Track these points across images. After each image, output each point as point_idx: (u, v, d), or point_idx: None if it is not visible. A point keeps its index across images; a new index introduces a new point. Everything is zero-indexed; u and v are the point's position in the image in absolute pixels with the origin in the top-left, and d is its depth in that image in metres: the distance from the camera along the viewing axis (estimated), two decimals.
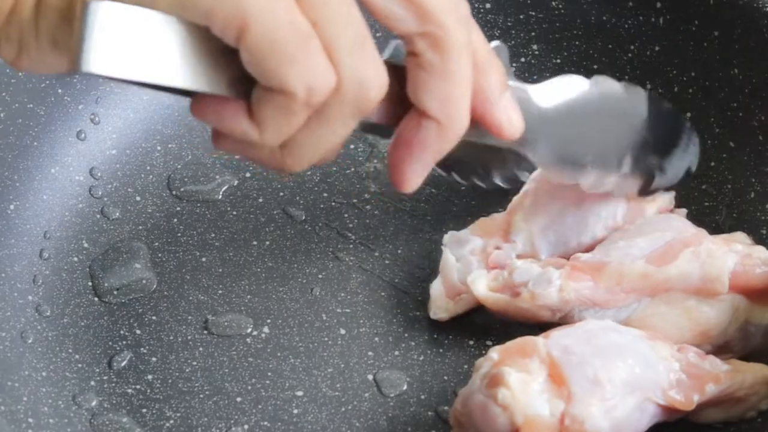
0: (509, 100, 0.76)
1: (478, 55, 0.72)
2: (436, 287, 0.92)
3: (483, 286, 0.89)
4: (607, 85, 0.87)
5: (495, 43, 0.84)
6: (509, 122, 0.76)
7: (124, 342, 0.92)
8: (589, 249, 0.90)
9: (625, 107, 0.88)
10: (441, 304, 0.92)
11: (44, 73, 0.66)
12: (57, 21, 0.64)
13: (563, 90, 0.85)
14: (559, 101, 0.85)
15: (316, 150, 0.68)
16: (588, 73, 1.02)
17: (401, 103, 0.72)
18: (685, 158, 0.91)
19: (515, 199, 0.93)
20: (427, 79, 0.69)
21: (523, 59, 1.06)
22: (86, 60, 0.61)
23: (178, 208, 0.99)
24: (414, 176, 0.73)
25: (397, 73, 0.71)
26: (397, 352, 0.92)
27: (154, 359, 0.92)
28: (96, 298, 0.95)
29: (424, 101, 0.70)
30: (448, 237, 0.93)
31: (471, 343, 0.92)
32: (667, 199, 0.93)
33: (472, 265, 0.91)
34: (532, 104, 0.83)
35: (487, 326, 0.92)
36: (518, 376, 0.79)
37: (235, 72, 0.66)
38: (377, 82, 0.67)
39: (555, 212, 0.91)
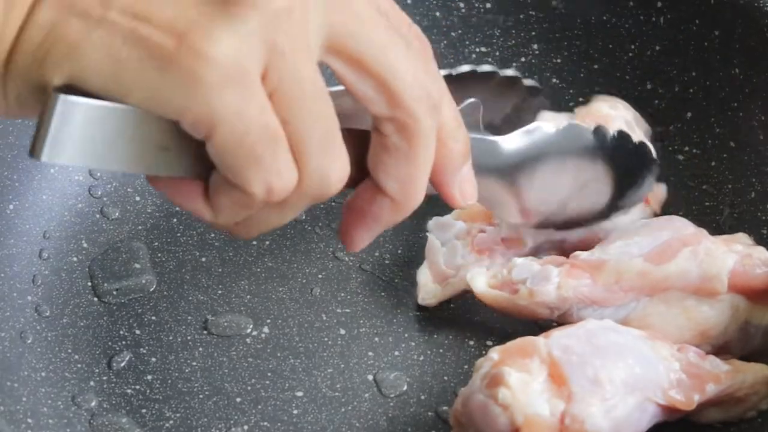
0: (466, 173, 0.76)
1: (444, 129, 0.72)
2: (423, 273, 0.92)
3: (482, 283, 0.89)
4: (576, 132, 0.87)
5: (470, 100, 0.84)
6: (462, 196, 0.76)
7: (124, 342, 0.92)
8: (574, 224, 0.91)
9: (591, 154, 0.87)
10: (429, 289, 0.92)
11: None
12: (24, 86, 0.63)
13: (532, 141, 0.85)
14: (527, 153, 0.85)
15: (266, 227, 0.69)
16: (589, 73, 1.03)
17: (359, 167, 0.71)
18: (648, 182, 0.91)
19: None
20: (390, 161, 0.69)
21: (523, 59, 1.06)
22: (46, 152, 0.61)
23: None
24: (362, 241, 0.74)
25: (359, 136, 0.71)
26: (397, 353, 0.92)
27: (153, 359, 0.92)
28: (95, 298, 0.95)
29: (383, 180, 0.70)
30: (432, 223, 0.93)
31: (471, 343, 0.92)
32: (662, 191, 0.95)
33: (458, 249, 0.91)
34: (501, 157, 0.84)
35: (487, 326, 0.92)
36: (518, 376, 0.79)
37: (194, 155, 0.65)
38: (339, 176, 0.67)
39: None
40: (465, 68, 0.90)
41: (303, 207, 0.68)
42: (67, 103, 0.61)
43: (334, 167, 0.66)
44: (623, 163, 0.88)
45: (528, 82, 0.93)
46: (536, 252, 0.92)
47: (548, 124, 0.86)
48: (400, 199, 0.71)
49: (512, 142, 0.84)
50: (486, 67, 0.90)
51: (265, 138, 0.62)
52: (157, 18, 0.60)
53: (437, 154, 0.72)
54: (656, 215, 0.95)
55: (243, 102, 0.61)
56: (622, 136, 0.87)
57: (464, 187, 0.76)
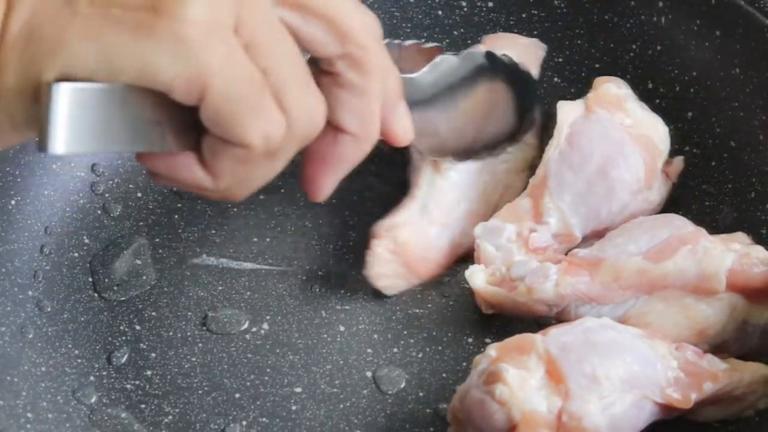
0: (403, 109, 0.79)
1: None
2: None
3: (481, 280, 0.89)
4: (472, 58, 0.89)
5: (385, 40, 0.86)
6: (404, 131, 0.79)
7: (124, 338, 0.93)
8: (617, 217, 0.92)
9: (489, 77, 0.90)
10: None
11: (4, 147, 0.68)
12: (16, 100, 0.64)
13: (441, 72, 0.87)
14: (438, 84, 0.87)
15: (262, 181, 0.71)
16: (590, 72, 1.03)
17: None
18: (535, 102, 0.94)
19: (532, 181, 0.94)
20: (347, 98, 0.72)
21: None
22: (53, 143, 0.63)
23: (179, 205, 1.00)
24: (329, 187, 0.76)
25: None
26: (396, 350, 0.92)
27: (153, 355, 0.92)
28: (96, 294, 0.95)
29: (343, 118, 0.73)
30: (480, 229, 0.93)
31: (470, 341, 0.92)
32: (680, 162, 0.97)
33: (513, 252, 0.91)
34: (420, 91, 0.86)
35: (485, 324, 0.92)
36: (516, 373, 0.79)
37: (182, 126, 0.67)
38: (323, 111, 0.70)
39: (581, 187, 0.92)
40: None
41: (293, 153, 0.69)
42: (61, 90, 0.62)
43: (317, 103, 0.69)
44: (515, 84, 0.91)
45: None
46: (584, 243, 0.93)
47: (450, 56, 0.88)
48: (361, 133, 0.73)
49: (426, 76, 0.86)
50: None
51: (254, 87, 0.64)
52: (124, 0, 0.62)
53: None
54: (674, 185, 0.96)
55: (227, 54, 0.63)
56: (510, 59, 0.90)
57: (404, 123, 0.78)
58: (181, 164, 0.68)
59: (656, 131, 0.94)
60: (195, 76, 0.63)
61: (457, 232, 0.95)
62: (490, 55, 0.90)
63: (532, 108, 0.93)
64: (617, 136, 0.92)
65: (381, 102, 0.73)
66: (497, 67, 0.90)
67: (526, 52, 1.00)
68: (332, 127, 0.73)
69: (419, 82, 0.86)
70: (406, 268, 0.94)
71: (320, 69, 0.71)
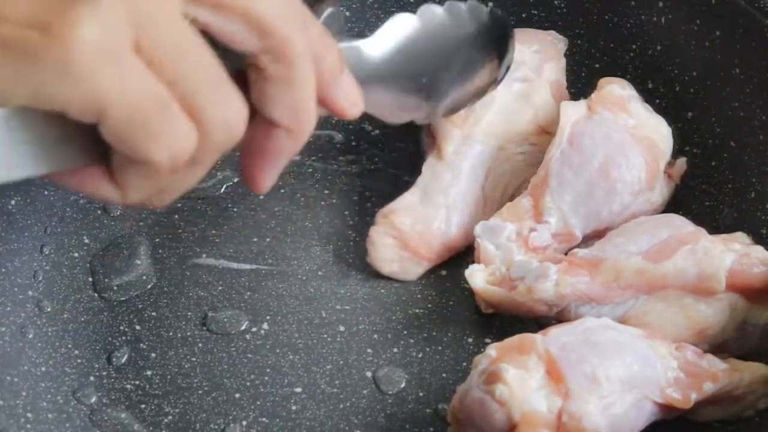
0: (347, 81, 0.76)
1: (314, 45, 0.71)
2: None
3: (480, 280, 0.89)
4: (429, 14, 0.88)
5: (329, 10, 0.85)
6: (350, 104, 0.76)
7: (124, 338, 0.93)
8: (618, 217, 0.92)
9: (451, 31, 0.89)
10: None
11: None
12: None
13: (393, 35, 0.86)
14: (389, 48, 0.85)
15: (182, 189, 0.69)
16: (590, 72, 1.03)
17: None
18: (509, 54, 0.94)
19: (533, 180, 0.94)
20: (274, 92, 0.69)
21: None
22: None
23: (179, 205, 1.00)
24: (269, 179, 0.74)
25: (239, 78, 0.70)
26: (396, 350, 0.92)
27: (153, 355, 0.92)
28: (96, 294, 0.95)
29: (273, 112, 0.70)
30: (480, 228, 0.93)
31: (470, 341, 0.92)
32: (683, 164, 0.97)
33: (513, 251, 0.91)
34: (365, 61, 0.84)
35: (485, 324, 0.92)
36: (516, 373, 0.79)
37: (88, 139, 0.64)
38: (240, 117, 0.67)
39: (582, 187, 0.92)
40: None
41: (213, 160, 0.67)
42: None
43: (233, 110, 0.66)
44: (489, 31, 0.91)
45: None
46: (584, 243, 0.93)
47: (408, 15, 0.87)
48: (293, 126, 0.71)
49: (376, 43, 0.85)
50: None
51: (155, 107, 0.62)
52: (14, 15, 0.59)
53: (315, 71, 0.71)
54: (677, 186, 0.96)
55: (123, 77, 0.60)
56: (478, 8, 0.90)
57: (349, 94, 0.75)
58: (88, 179, 0.66)
59: (659, 132, 0.94)
60: (88, 103, 0.60)
61: (467, 218, 0.95)
62: (452, 7, 0.89)
63: (507, 48, 0.93)
64: (619, 137, 0.92)
65: (314, 87, 0.71)
66: (462, 17, 0.89)
67: (547, 45, 1.00)
68: (265, 120, 0.71)
69: (365, 50, 0.84)
70: (409, 253, 0.94)
71: (248, 63, 0.69)
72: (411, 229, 0.94)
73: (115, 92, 0.60)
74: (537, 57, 0.99)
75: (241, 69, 0.70)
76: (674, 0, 1.01)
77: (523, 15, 1.06)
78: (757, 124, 0.96)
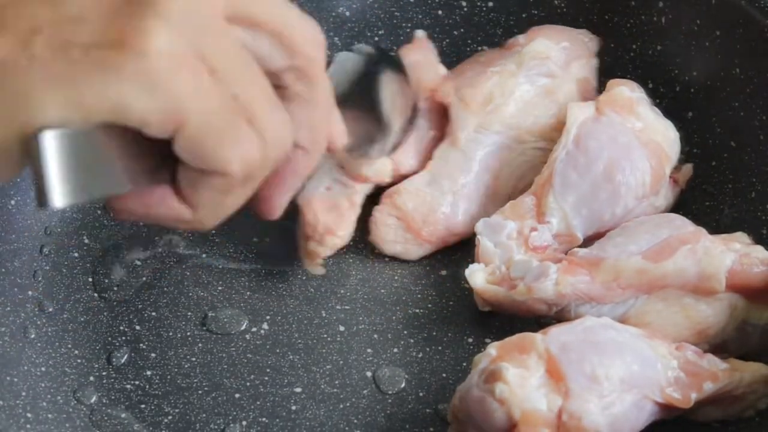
0: (337, 114, 0.77)
1: None
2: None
3: (480, 279, 0.89)
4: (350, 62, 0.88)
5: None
6: (341, 135, 0.77)
7: (124, 338, 0.93)
8: (622, 220, 0.92)
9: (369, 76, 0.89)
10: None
11: None
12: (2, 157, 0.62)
13: (348, 72, 0.86)
14: (347, 84, 0.86)
15: (234, 208, 0.69)
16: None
17: None
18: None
19: (537, 179, 0.94)
20: (296, 111, 0.70)
21: None
22: (53, 197, 0.61)
23: None
24: (283, 203, 0.74)
25: None
26: (395, 350, 0.92)
27: (153, 355, 0.92)
28: (96, 294, 0.95)
29: (294, 132, 0.70)
30: (481, 225, 0.93)
31: (470, 340, 0.92)
32: (689, 169, 0.97)
33: (512, 249, 0.91)
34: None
35: (485, 324, 0.92)
36: (516, 372, 0.79)
37: (153, 160, 0.65)
38: (290, 129, 0.68)
39: (586, 189, 0.92)
40: None
41: (265, 174, 0.68)
42: (45, 142, 0.60)
43: (285, 122, 0.67)
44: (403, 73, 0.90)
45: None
46: (585, 244, 0.93)
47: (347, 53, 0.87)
48: (310, 145, 0.72)
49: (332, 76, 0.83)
50: None
51: (228, 114, 0.63)
52: (85, 37, 0.60)
53: None
54: (682, 191, 0.96)
55: (198, 83, 0.62)
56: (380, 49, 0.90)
57: (340, 128, 0.77)
58: (158, 200, 0.67)
59: (666, 137, 0.94)
60: (169, 109, 0.61)
61: (475, 206, 0.95)
62: (379, 49, 0.89)
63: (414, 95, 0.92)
64: (625, 140, 0.92)
65: (328, 108, 0.72)
66: (388, 59, 0.89)
67: (577, 43, 1.00)
68: None
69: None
70: (411, 234, 0.94)
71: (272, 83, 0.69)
72: (413, 211, 0.94)
73: (193, 99, 0.61)
74: (564, 53, 0.98)
75: None
76: (674, 0, 1.01)
77: (523, 15, 1.05)
78: (758, 125, 0.96)
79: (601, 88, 0.97)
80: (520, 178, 0.96)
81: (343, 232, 0.94)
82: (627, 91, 0.94)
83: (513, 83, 0.96)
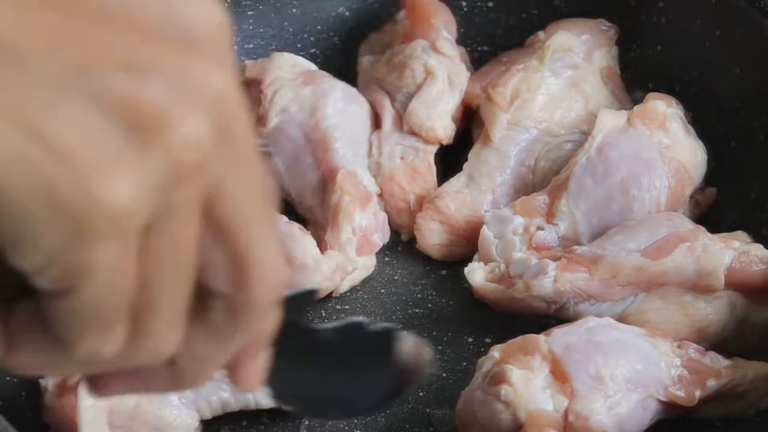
0: (263, 359, 0.60)
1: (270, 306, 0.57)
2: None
3: (479, 277, 0.89)
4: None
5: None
6: (250, 381, 0.60)
7: None
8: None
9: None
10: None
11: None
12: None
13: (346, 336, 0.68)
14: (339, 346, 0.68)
15: (58, 370, 0.59)
16: None
17: None
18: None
19: (555, 179, 0.94)
20: (199, 336, 0.55)
21: None
22: None
23: None
24: (111, 392, 0.58)
25: None
26: None
27: None
28: None
29: (182, 357, 0.56)
30: (490, 215, 0.93)
31: (470, 340, 0.92)
32: (713, 193, 0.96)
33: (515, 244, 0.91)
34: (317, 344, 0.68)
35: (485, 323, 0.92)
36: (520, 373, 0.79)
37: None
38: (171, 349, 0.54)
39: (600, 198, 0.92)
40: None
41: (123, 366, 0.55)
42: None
43: (171, 340, 0.54)
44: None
45: None
46: None
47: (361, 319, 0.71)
48: (182, 375, 0.57)
49: (329, 333, 0.67)
50: None
51: (121, 301, 0.51)
52: (33, 267, 0.49)
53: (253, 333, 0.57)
54: (703, 213, 0.96)
55: (120, 258, 0.49)
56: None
57: (254, 373, 0.61)
58: None
59: (693, 157, 0.93)
60: (74, 270, 0.49)
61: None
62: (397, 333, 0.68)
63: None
64: (648, 155, 0.92)
65: (235, 349, 0.57)
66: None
67: (597, 33, 1.00)
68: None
69: (321, 335, 0.67)
70: (456, 236, 0.95)
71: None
72: (456, 213, 0.95)
73: (106, 270, 0.49)
74: (586, 45, 0.99)
75: None
76: (674, 0, 1.01)
77: (523, 15, 1.05)
78: (758, 125, 0.96)
79: None
80: (557, 171, 0.96)
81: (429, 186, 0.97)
82: (662, 106, 0.94)
83: (539, 77, 0.97)
